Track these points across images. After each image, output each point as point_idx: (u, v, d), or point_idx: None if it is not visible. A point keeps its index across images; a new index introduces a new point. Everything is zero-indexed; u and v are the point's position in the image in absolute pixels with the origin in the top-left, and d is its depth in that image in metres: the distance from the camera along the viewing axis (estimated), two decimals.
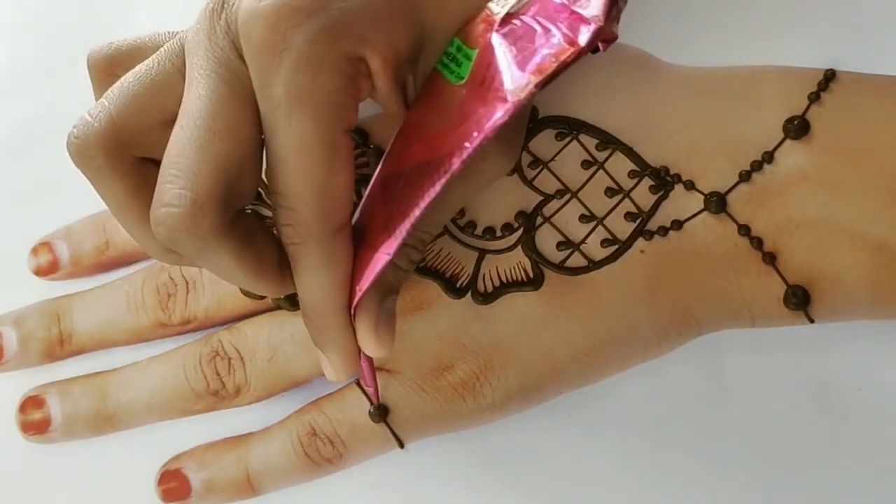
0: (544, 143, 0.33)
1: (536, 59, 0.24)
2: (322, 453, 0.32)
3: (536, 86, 0.24)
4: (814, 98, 0.31)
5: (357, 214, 0.28)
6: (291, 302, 0.32)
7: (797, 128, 0.31)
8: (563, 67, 0.24)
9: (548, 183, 0.32)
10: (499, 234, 0.32)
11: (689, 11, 0.36)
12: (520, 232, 0.32)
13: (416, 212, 0.25)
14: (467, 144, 0.24)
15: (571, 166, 0.32)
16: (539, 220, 0.32)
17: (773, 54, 0.33)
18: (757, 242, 0.31)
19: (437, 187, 0.25)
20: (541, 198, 0.32)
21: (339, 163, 0.26)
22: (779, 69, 0.32)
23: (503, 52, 0.25)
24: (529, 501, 0.33)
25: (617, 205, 0.32)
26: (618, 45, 0.34)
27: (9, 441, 0.34)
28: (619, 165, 0.32)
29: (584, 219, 0.32)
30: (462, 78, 0.26)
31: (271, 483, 0.33)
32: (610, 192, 0.32)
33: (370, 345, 0.28)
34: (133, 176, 0.27)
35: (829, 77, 0.31)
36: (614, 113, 0.32)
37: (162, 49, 0.28)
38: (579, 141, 0.32)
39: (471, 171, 0.28)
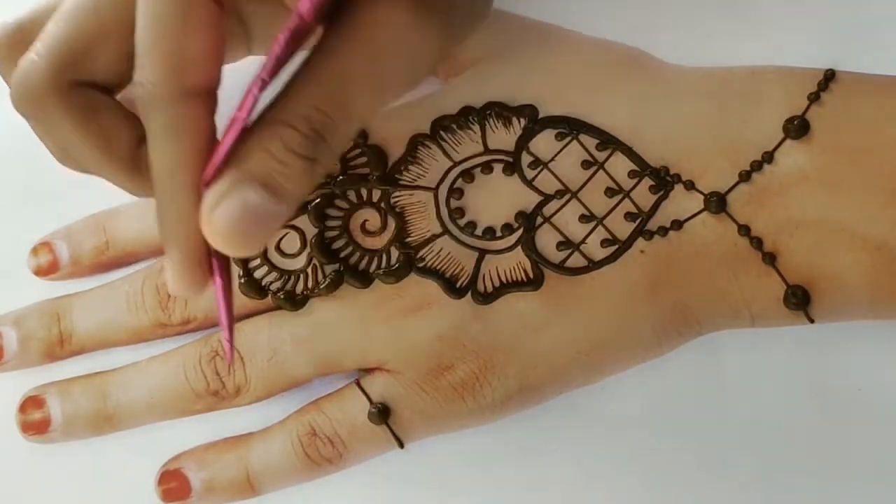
0: (544, 143, 0.33)
1: None
2: (322, 453, 0.32)
3: None
4: (814, 98, 0.31)
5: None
6: (292, 302, 0.32)
7: (797, 128, 0.31)
8: None
9: (548, 183, 0.32)
10: (499, 234, 0.32)
11: (689, 11, 0.36)
12: (520, 232, 0.32)
13: (269, 64, 0.23)
14: None
15: (571, 166, 0.32)
16: (539, 220, 0.32)
17: (773, 54, 0.33)
18: (757, 242, 0.31)
19: (287, 32, 0.23)
20: (541, 198, 0.32)
21: (195, 23, 0.24)
22: (779, 69, 0.32)
23: None
24: (529, 501, 0.33)
25: (617, 205, 0.32)
26: (617, 44, 0.34)
27: (9, 441, 0.34)
28: (619, 165, 0.32)
29: (584, 219, 0.32)
30: None
31: (271, 483, 0.33)
32: (610, 192, 0.32)
33: (203, 224, 0.24)
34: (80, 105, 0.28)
35: (829, 77, 0.31)
36: (614, 113, 0.32)
37: None
38: (579, 141, 0.32)
39: (358, 28, 0.24)
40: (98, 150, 0.27)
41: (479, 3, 0.26)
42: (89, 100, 0.28)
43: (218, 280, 0.26)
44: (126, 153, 0.28)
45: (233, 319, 0.27)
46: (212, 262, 0.25)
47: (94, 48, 0.27)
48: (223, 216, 0.23)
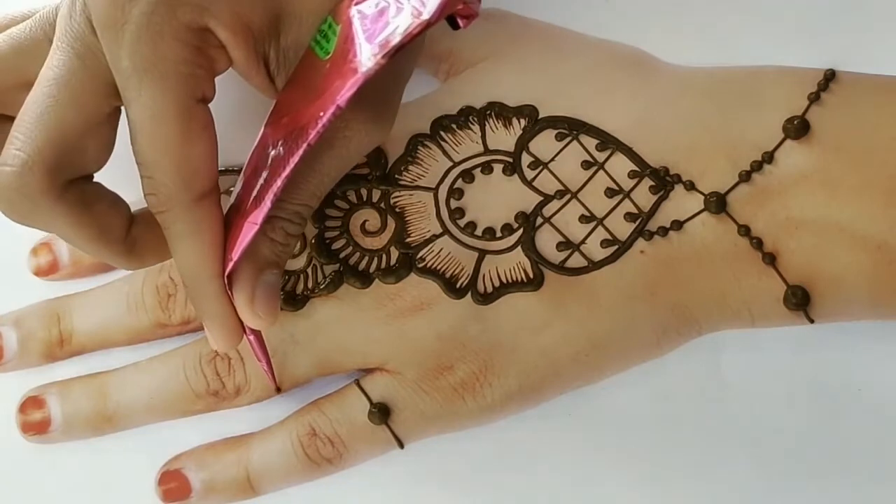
0: (544, 143, 0.33)
1: (386, 32, 0.25)
2: (322, 453, 0.32)
3: (383, 56, 0.24)
4: (814, 98, 0.31)
5: (238, 189, 0.29)
6: (292, 302, 0.32)
7: (797, 128, 0.31)
8: (409, 39, 0.24)
9: (548, 183, 0.32)
10: (499, 234, 0.32)
11: (689, 11, 0.36)
12: (520, 232, 0.32)
13: (279, 181, 0.26)
14: (322, 114, 0.25)
15: (571, 166, 0.32)
16: (539, 220, 0.32)
17: (773, 54, 0.33)
18: (757, 243, 0.31)
19: (296, 158, 0.26)
20: (541, 198, 0.32)
21: (195, 132, 0.27)
22: (779, 69, 0.32)
23: (358, 26, 0.26)
24: (529, 501, 0.33)
25: (617, 205, 0.32)
26: (617, 45, 0.34)
27: (9, 441, 0.34)
28: (619, 166, 0.32)
29: (584, 219, 0.32)
30: (328, 53, 0.27)
31: (271, 483, 0.33)
32: (610, 192, 0.32)
33: (246, 315, 0.29)
34: None
35: (829, 77, 0.31)
36: (614, 113, 0.32)
37: (37, 15, 0.29)
38: (579, 141, 0.32)
39: (336, 140, 0.28)
40: (95, 240, 0.29)
41: (388, 109, 0.30)
42: (82, 194, 0.28)
43: (252, 334, 0.30)
44: (119, 238, 0.29)
45: (270, 361, 0.31)
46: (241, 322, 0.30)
47: (82, 144, 0.28)
48: (261, 304, 0.28)
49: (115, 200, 0.30)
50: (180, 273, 0.29)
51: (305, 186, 0.29)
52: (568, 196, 0.32)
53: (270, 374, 0.31)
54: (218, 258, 0.28)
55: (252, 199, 0.28)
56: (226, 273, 0.28)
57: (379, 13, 0.25)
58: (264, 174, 0.27)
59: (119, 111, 0.29)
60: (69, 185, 0.28)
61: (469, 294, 0.32)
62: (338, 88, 0.25)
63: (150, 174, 0.27)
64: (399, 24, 0.24)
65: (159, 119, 0.26)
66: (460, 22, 0.25)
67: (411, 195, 0.33)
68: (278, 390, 0.33)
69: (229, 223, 0.29)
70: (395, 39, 0.24)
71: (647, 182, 0.32)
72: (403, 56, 0.25)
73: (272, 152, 0.27)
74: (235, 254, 0.28)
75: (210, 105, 0.28)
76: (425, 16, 0.24)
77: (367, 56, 0.25)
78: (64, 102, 0.27)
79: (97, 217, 0.28)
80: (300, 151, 0.26)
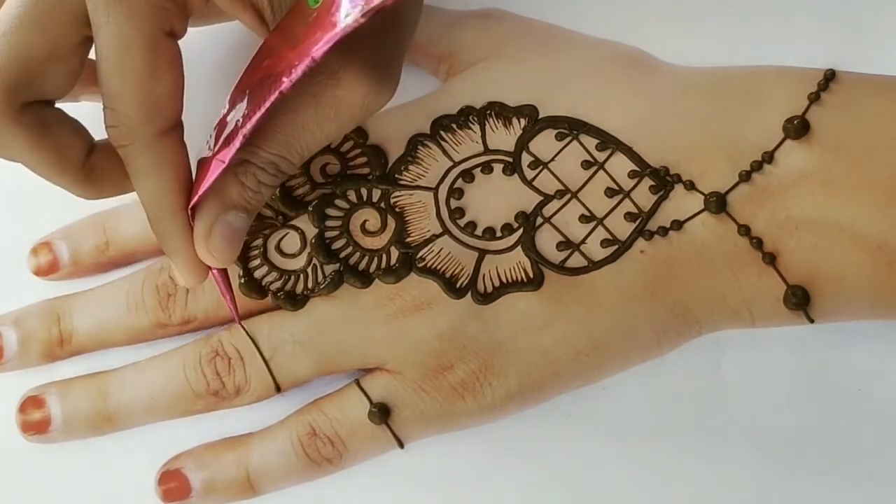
0: (544, 143, 0.33)
1: None
2: (322, 453, 0.32)
3: (362, 15, 0.24)
4: (814, 98, 0.31)
5: (211, 133, 0.29)
6: (292, 302, 0.32)
7: (797, 128, 0.31)
8: (392, 1, 0.24)
9: (548, 183, 0.32)
10: (499, 234, 0.32)
11: (689, 11, 0.36)
12: (520, 232, 0.32)
13: (248, 124, 0.26)
14: (297, 64, 0.25)
15: (571, 166, 0.32)
16: (539, 220, 0.32)
17: (773, 54, 0.33)
18: (757, 242, 0.31)
19: (268, 103, 0.26)
20: (541, 198, 0.32)
21: (161, 65, 0.27)
22: (779, 69, 0.32)
23: None
24: (529, 501, 0.33)
25: (617, 205, 0.32)
26: (617, 44, 0.34)
27: (9, 441, 0.34)
28: (619, 165, 0.32)
29: (584, 219, 0.32)
30: (318, 1, 0.26)
31: (271, 483, 0.33)
32: (610, 192, 0.32)
33: (200, 248, 0.29)
34: None
35: (829, 77, 0.31)
36: (614, 113, 0.32)
37: None
38: (579, 141, 0.32)
39: (325, 98, 0.28)
40: (52, 164, 0.29)
41: (388, 72, 0.29)
42: (40, 117, 0.28)
43: (215, 271, 0.30)
44: (77, 164, 0.29)
45: (234, 296, 0.31)
46: None
47: (45, 68, 0.28)
48: (217, 240, 0.28)
49: (76, 126, 0.29)
50: (144, 208, 0.29)
51: (284, 137, 0.28)
52: (568, 196, 0.32)
53: (234, 309, 0.31)
54: (181, 193, 0.28)
55: (223, 139, 0.27)
56: (189, 206, 0.28)
57: None
58: (239, 118, 0.27)
59: (90, 42, 0.28)
60: (27, 106, 0.28)
61: (469, 294, 0.32)
62: (316, 41, 0.25)
63: (113, 105, 0.27)
64: None
65: (125, 48, 0.26)
66: None
67: (411, 195, 0.33)
68: (278, 390, 0.33)
69: (201, 168, 0.28)
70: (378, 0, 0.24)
71: (647, 182, 0.32)
72: (402, 23, 0.25)
73: (248, 97, 0.27)
74: (200, 189, 0.28)
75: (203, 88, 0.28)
76: None
77: (345, 12, 0.24)
78: (28, 25, 0.27)
79: (55, 140, 0.28)
80: (272, 97, 0.26)
